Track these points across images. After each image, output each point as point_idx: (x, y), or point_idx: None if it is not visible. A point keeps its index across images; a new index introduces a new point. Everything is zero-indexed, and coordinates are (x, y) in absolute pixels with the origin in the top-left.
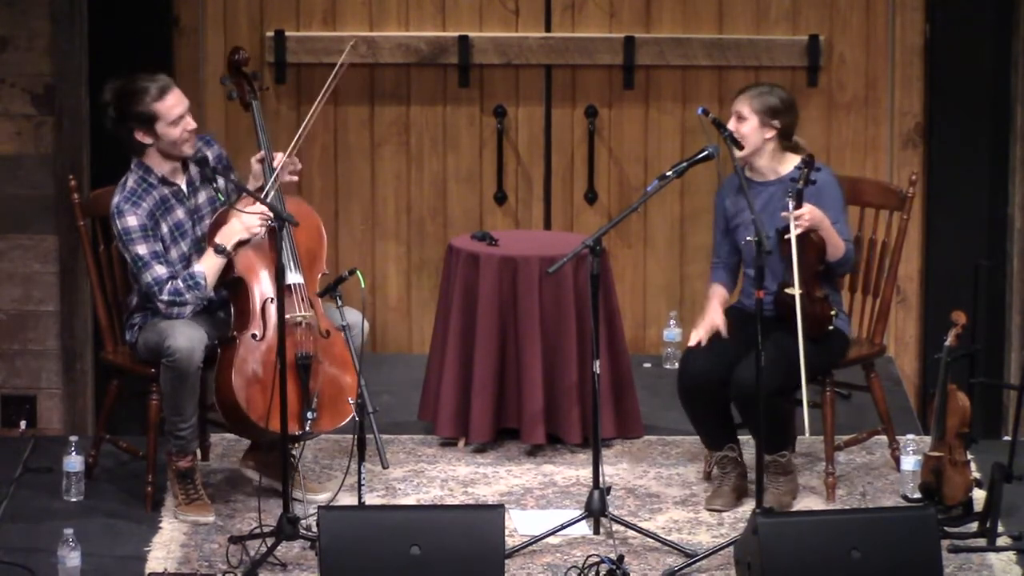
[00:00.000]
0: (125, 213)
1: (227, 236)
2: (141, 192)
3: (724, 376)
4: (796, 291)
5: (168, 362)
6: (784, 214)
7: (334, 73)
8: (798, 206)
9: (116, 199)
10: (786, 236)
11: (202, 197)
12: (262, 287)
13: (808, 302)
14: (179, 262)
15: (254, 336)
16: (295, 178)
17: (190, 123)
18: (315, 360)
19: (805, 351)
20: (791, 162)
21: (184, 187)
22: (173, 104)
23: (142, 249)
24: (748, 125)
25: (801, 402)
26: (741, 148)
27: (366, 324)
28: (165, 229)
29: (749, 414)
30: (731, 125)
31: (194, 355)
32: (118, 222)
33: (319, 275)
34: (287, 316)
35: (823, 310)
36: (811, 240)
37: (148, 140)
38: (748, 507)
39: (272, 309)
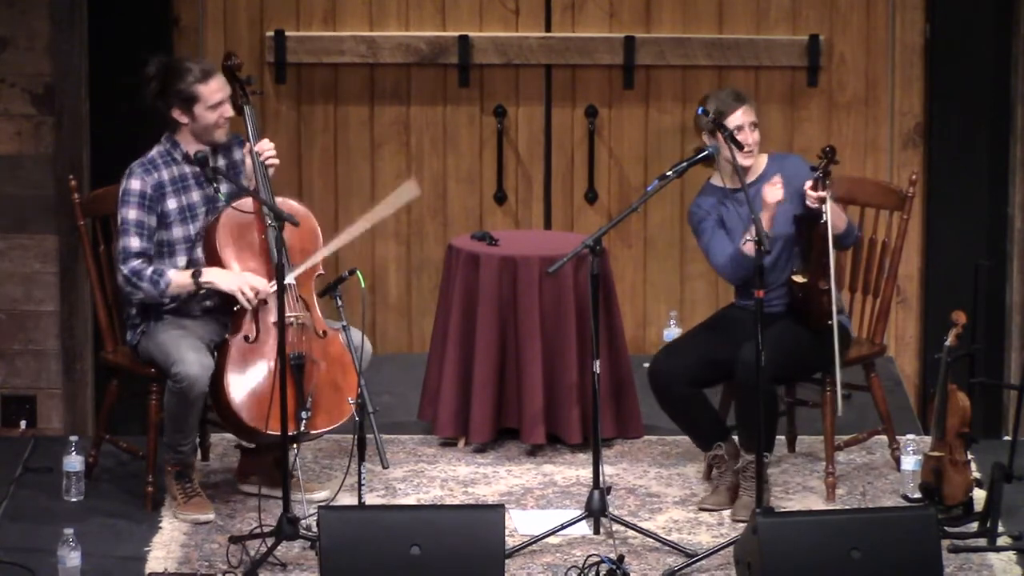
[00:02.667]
0: (134, 175)
1: (219, 277)
2: (160, 164)
3: (690, 377)
4: (801, 278)
5: (176, 387)
6: (810, 193)
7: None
8: (822, 189)
9: (132, 164)
10: (822, 220)
11: (223, 188)
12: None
13: (814, 292)
14: (182, 242)
15: (246, 338)
16: (275, 162)
17: (228, 110)
18: (309, 360)
19: (819, 341)
20: (760, 160)
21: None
22: (216, 89)
23: (132, 214)
24: (759, 132)
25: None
26: (741, 148)
27: (368, 345)
28: (174, 206)
29: (748, 399)
30: (750, 137)
31: (201, 381)
32: (124, 182)
33: (314, 276)
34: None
35: (826, 303)
36: (817, 231)
37: (184, 120)
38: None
39: (263, 311)
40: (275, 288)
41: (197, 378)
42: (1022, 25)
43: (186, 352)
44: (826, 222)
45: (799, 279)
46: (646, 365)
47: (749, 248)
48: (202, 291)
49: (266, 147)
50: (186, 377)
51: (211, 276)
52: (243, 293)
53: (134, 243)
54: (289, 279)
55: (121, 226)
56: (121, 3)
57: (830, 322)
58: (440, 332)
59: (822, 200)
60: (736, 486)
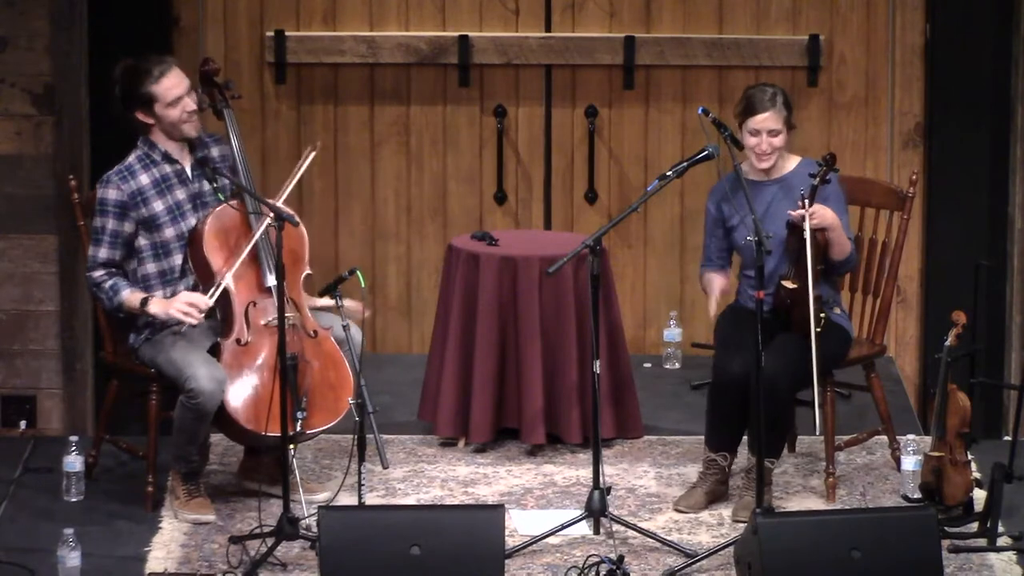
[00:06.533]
0: (110, 184)
1: (158, 308)
2: (138, 169)
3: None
4: (791, 283)
5: (191, 403)
6: (791, 212)
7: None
8: (811, 203)
9: (110, 171)
10: (793, 223)
11: (207, 184)
12: (244, 291)
13: (801, 298)
14: (176, 241)
15: (238, 341)
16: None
17: (189, 104)
18: (302, 360)
19: (814, 347)
20: (792, 161)
21: (188, 170)
22: (170, 86)
23: (105, 223)
24: (781, 137)
25: (806, 402)
26: (741, 148)
27: (357, 333)
28: (161, 207)
29: (764, 407)
30: (764, 144)
31: (216, 396)
32: (100, 190)
33: (302, 276)
34: (269, 319)
35: (815, 309)
36: (815, 239)
37: (150, 121)
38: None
39: (254, 313)
40: (213, 300)
41: (212, 393)
42: (1022, 25)
43: (199, 367)
44: (820, 230)
45: (789, 284)
46: (646, 365)
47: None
48: (145, 315)
49: (355, 307)
50: (201, 393)
51: (153, 307)
52: (183, 313)
53: (101, 253)
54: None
55: (92, 234)
56: (121, 3)
57: (818, 329)
58: (440, 332)
59: (814, 214)
60: (714, 492)
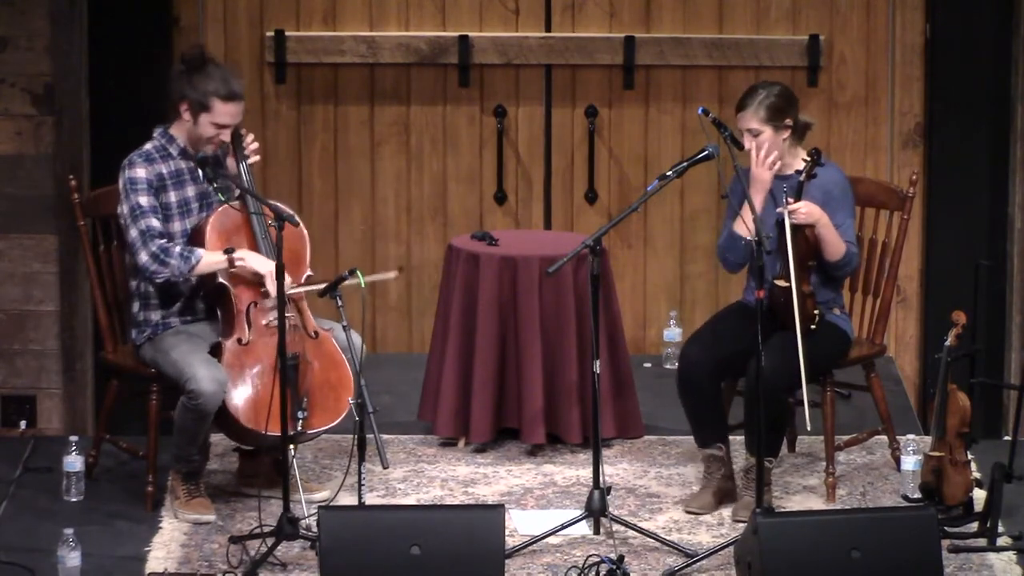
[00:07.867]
0: (136, 165)
1: (252, 257)
2: (157, 157)
3: (716, 370)
4: (783, 282)
5: (192, 404)
6: (780, 209)
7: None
8: (797, 199)
9: (130, 155)
10: (781, 220)
11: (222, 188)
12: (245, 292)
13: (797, 295)
14: (180, 236)
15: (239, 341)
16: (257, 158)
17: (225, 136)
18: (303, 360)
19: (805, 347)
20: (801, 157)
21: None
22: (229, 112)
23: (144, 200)
24: (765, 136)
25: (800, 401)
26: (741, 148)
27: (357, 339)
28: (173, 199)
29: (755, 409)
30: (747, 143)
31: (216, 397)
32: (126, 172)
33: (303, 276)
34: (270, 319)
35: (808, 306)
36: (803, 235)
37: (186, 117)
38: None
39: (255, 313)
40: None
41: (213, 394)
42: (1022, 25)
43: (199, 368)
44: (807, 226)
45: (782, 283)
46: (646, 365)
47: (741, 229)
48: (232, 268)
49: (248, 140)
50: (201, 394)
51: (244, 254)
52: (272, 279)
53: (155, 223)
54: (292, 290)
55: (135, 211)
56: (121, 3)
57: (812, 326)
58: (440, 332)
59: (797, 211)
60: (723, 491)
